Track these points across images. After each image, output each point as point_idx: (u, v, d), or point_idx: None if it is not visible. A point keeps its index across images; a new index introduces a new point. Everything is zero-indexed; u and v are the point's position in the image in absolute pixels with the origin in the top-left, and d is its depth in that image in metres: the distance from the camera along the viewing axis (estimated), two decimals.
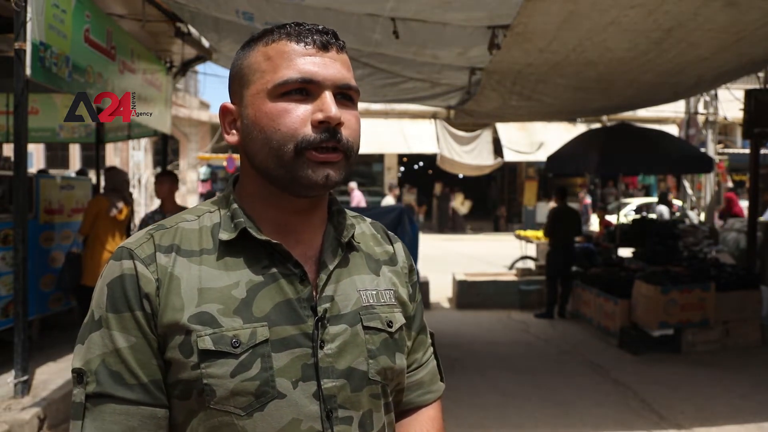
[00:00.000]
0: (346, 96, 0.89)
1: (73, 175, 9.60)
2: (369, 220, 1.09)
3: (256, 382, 0.82)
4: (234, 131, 0.92)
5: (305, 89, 0.86)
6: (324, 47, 0.88)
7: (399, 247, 1.08)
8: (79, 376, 0.83)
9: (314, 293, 0.90)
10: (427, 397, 1.06)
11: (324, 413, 0.85)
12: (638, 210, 15.17)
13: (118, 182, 5.42)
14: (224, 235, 0.89)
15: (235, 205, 0.91)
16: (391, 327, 0.95)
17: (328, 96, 0.86)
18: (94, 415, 0.81)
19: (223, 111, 0.93)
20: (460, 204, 19.66)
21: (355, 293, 0.94)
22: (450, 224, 19.11)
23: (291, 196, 0.90)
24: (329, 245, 0.95)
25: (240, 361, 0.82)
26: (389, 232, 1.10)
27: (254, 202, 0.92)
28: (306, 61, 0.87)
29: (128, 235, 5.09)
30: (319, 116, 0.85)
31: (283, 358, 0.84)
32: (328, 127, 0.85)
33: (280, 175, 0.87)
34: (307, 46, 0.87)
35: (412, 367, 1.04)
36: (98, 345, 0.83)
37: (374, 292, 0.96)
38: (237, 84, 0.92)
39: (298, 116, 0.85)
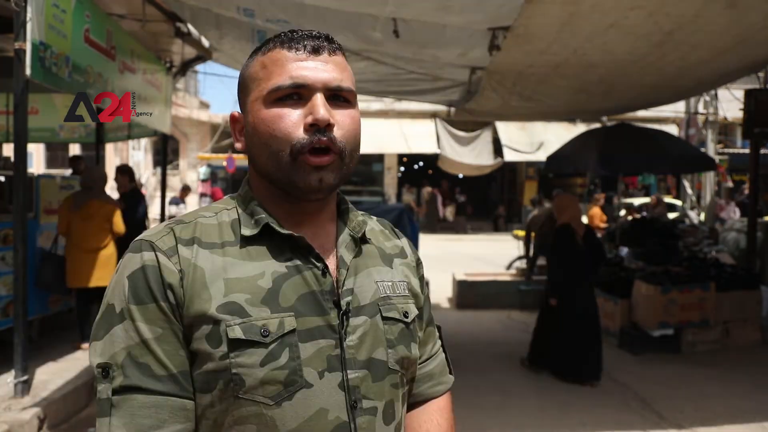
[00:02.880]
0: (339, 97, 0.91)
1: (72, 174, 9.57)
2: (375, 217, 1.11)
3: (285, 371, 0.83)
4: (242, 138, 0.97)
5: (297, 94, 0.89)
6: (315, 51, 0.90)
7: (405, 241, 1.12)
8: (104, 371, 0.82)
9: (335, 287, 0.92)
10: (437, 388, 1.09)
11: (349, 404, 0.87)
12: (638, 210, 15.15)
13: (91, 179, 5.14)
14: (246, 231, 0.91)
15: (255, 203, 0.94)
16: (407, 317, 0.98)
17: (318, 98, 0.88)
18: (122, 409, 0.80)
19: (232, 119, 0.98)
20: (450, 214, 19.94)
21: (372, 284, 0.96)
22: (439, 226, 19.02)
23: (296, 199, 0.93)
24: (344, 241, 0.97)
25: (269, 350, 0.83)
26: (395, 228, 1.13)
27: (265, 203, 0.95)
28: (297, 66, 0.89)
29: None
30: (309, 119, 0.87)
31: (309, 348, 0.86)
32: (318, 129, 0.88)
33: (279, 178, 0.90)
34: (298, 52, 0.90)
35: (422, 358, 1.07)
36: (122, 338, 0.82)
37: (390, 284, 0.99)
38: (241, 93, 0.96)
39: (292, 120, 0.88)
